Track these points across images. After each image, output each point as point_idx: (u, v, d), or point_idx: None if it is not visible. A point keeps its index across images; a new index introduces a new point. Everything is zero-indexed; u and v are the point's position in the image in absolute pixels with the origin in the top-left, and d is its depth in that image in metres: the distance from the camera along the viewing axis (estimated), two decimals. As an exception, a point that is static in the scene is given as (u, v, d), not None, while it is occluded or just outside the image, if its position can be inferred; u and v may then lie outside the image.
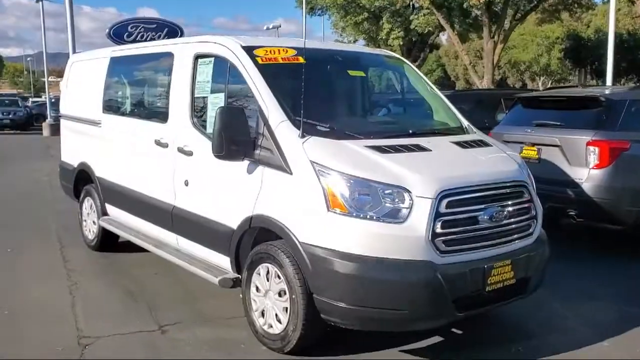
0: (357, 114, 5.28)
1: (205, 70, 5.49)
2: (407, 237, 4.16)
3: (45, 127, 31.64)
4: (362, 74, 5.67)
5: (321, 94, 5.36)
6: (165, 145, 5.84)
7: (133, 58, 6.77)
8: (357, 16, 34.79)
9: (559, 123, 7.75)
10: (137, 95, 6.81)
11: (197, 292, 6.11)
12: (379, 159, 4.40)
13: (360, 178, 4.24)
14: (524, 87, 55.10)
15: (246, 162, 4.85)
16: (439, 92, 6.04)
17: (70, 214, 9.44)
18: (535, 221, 4.85)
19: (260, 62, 5.08)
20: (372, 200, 4.21)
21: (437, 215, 4.20)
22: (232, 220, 5.02)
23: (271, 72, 5.02)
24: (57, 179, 14.37)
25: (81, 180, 7.91)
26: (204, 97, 5.49)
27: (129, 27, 28.60)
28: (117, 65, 7.06)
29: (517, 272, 4.58)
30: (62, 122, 8.43)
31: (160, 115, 6.10)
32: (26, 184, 13.66)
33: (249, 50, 5.17)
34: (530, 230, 4.81)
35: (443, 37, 50.48)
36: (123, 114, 6.81)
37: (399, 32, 34.43)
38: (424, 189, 4.22)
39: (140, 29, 28.72)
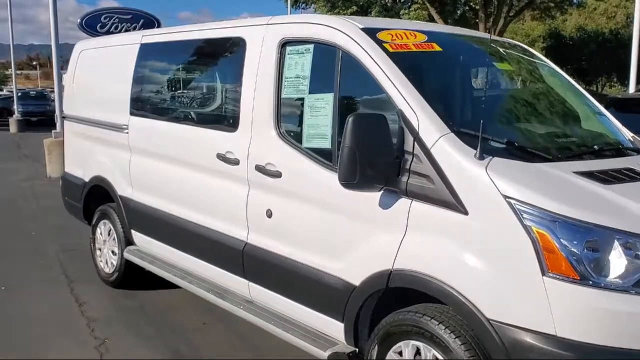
0: (519, 122, 3.87)
1: (299, 62, 3.99)
2: (671, 318, 2.73)
3: (12, 122, 29.53)
4: (510, 67, 4.23)
5: (473, 94, 3.92)
6: (234, 162, 4.33)
7: (177, 45, 5.20)
8: (344, 10, 33.31)
9: (680, 131, 6.41)
10: (184, 94, 5.24)
11: (270, 354, 4.63)
12: (606, 194, 2.98)
13: (596, 226, 2.80)
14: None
15: (378, 193, 3.39)
16: (583, 91, 4.65)
17: (68, 231, 7.97)
18: None
19: (390, 50, 3.61)
20: (614, 260, 2.78)
21: None
22: (352, 273, 3.56)
23: (407, 65, 3.56)
24: (39, 184, 12.94)
25: (94, 198, 6.31)
26: (296, 99, 4.01)
27: (102, 18, 26.51)
28: (151, 54, 5.48)
29: None
30: (67, 124, 6.81)
31: (225, 121, 4.60)
32: (4, 191, 11.90)
33: (371, 33, 3.71)
34: None
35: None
36: (162, 117, 5.25)
37: (387, 27, 33.03)
38: None
39: (114, 20, 26.68)
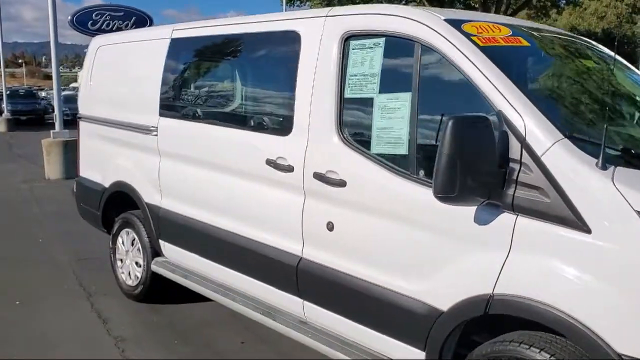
0: (618, 125, 3.47)
1: (367, 58, 3.58)
2: None
3: (2, 122, 28.95)
4: (592, 64, 3.84)
5: (568, 94, 3.51)
6: (287, 169, 3.91)
7: (216, 40, 4.74)
8: (341, 8, 32.90)
9: None
10: (225, 94, 4.80)
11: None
12: None
13: None
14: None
15: (474, 207, 2.98)
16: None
17: (77, 237, 7.61)
18: None
19: (480, 44, 3.21)
20: None
21: None
22: (438, 296, 3.16)
23: (501, 61, 3.16)
24: (39, 186, 12.38)
25: (115, 205, 5.86)
26: (363, 99, 3.59)
27: (94, 15, 25.93)
28: (184, 50, 5.04)
29: None
30: (83, 125, 6.33)
31: (275, 123, 4.17)
32: (3, 194, 11.37)
33: (456, 25, 3.31)
34: None
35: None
36: (199, 119, 4.81)
37: (384, 25, 32.61)
38: None
39: (105, 17, 26.12)
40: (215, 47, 4.76)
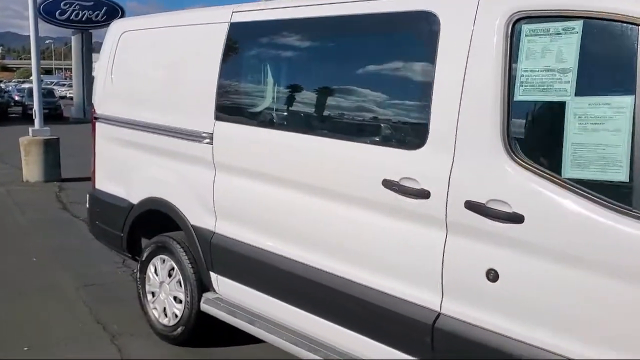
0: None
1: (553, 48, 2.65)
2: None
3: (-41, 118, 27.15)
4: None
5: None
6: (418, 194, 2.95)
7: (301, 25, 3.67)
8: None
9: None
10: (320, 95, 3.74)
11: None
12: None
13: None
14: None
15: None
16: None
17: (74, 254, 6.77)
18: None
19: None
20: None
21: None
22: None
23: None
24: (18, 190, 11.07)
25: (145, 225, 4.81)
26: (546, 103, 2.65)
27: (62, 4, 24.40)
28: (252, 38, 4.01)
29: None
30: (100, 127, 5.24)
31: (398, 132, 3.21)
32: (-22, 200, 10.11)
33: None
34: None
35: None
36: (275, 124, 3.80)
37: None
38: None
39: (75, 7, 24.62)
40: (302, 33, 3.70)
